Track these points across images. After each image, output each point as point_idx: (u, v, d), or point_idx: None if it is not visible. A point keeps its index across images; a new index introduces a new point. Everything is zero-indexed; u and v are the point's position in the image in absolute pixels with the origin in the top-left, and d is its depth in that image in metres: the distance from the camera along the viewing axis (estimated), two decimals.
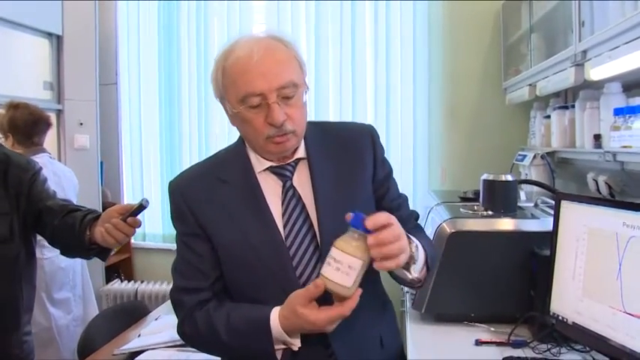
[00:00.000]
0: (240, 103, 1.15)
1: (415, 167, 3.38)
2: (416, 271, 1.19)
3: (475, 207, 1.84)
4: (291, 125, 1.16)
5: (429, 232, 1.77)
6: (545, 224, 1.68)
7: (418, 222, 1.41)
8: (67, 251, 1.70)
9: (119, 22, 3.73)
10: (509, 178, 1.79)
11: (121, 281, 3.62)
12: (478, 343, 1.56)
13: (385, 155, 1.37)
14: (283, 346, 1.17)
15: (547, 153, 2.57)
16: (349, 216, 1.07)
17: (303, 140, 1.27)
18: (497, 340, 1.56)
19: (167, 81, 3.71)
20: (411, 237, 1.16)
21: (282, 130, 1.15)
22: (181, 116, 3.71)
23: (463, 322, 1.70)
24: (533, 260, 1.61)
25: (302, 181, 1.26)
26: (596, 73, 1.77)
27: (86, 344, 2.05)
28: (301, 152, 1.27)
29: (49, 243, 1.69)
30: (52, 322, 2.72)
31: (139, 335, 2.07)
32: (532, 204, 1.94)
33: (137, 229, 1.55)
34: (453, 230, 1.67)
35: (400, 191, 1.40)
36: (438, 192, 2.52)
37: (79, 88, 3.35)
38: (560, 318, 1.42)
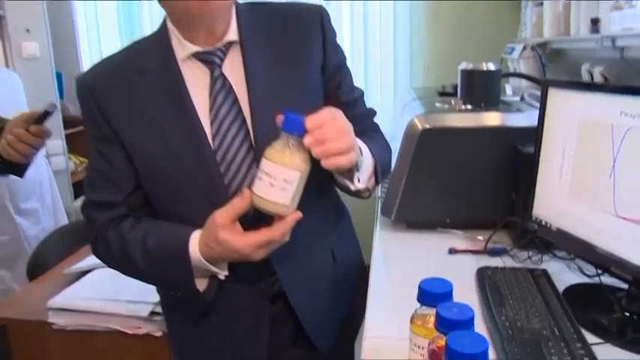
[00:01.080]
0: None
1: (396, 63, 3.12)
2: (362, 181, 1.01)
3: (452, 101, 1.63)
4: None
5: (402, 131, 1.57)
6: (530, 118, 1.47)
7: (375, 121, 1.22)
8: None
9: None
10: (492, 67, 1.56)
11: None
12: (452, 251, 1.40)
13: (338, 41, 1.15)
14: (209, 274, 1.01)
15: (538, 44, 2.35)
16: (279, 118, 0.87)
17: (235, 20, 1.05)
18: (474, 249, 1.40)
19: None
20: (357, 140, 0.97)
21: None
22: (141, 19, 3.42)
23: (437, 229, 1.54)
24: (516, 159, 1.42)
25: (234, 69, 1.04)
26: None
27: (36, 263, 1.93)
28: (233, 34, 1.05)
29: None
30: (21, 232, 2.61)
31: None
32: (518, 98, 1.73)
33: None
34: (425, 126, 1.47)
35: (356, 84, 1.20)
36: (417, 89, 2.29)
37: None
38: (543, 223, 1.25)
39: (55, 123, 3.13)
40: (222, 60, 1.04)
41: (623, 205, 1.03)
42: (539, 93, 1.67)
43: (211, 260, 0.98)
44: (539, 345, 0.95)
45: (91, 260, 1.82)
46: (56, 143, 3.17)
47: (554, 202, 1.22)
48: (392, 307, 1.14)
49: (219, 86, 1.03)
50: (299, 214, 0.93)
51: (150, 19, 3.37)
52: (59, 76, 3.32)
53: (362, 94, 1.20)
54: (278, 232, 0.93)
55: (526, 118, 1.47)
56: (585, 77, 2.01)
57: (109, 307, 1.52)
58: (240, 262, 0.97)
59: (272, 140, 0.91)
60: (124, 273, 1.13)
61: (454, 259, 1.38)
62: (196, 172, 1.02)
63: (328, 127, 0.88)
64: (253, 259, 0.95)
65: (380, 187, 1.67)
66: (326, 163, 0.89)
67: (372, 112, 1.22)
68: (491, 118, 1.49)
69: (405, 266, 1.34)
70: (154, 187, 1.07)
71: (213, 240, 0.95)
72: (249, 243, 0.93)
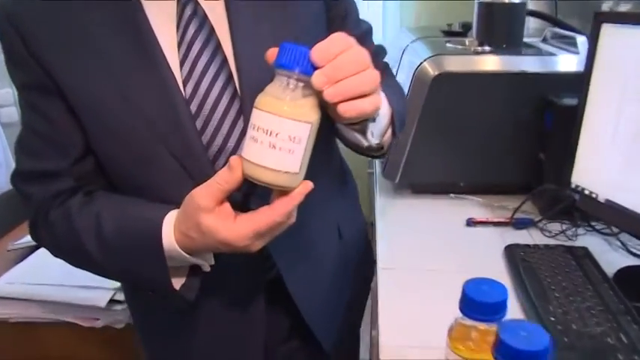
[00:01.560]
0: None
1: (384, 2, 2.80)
2: (376, 135, 0.77)
3: (466, 42, 1.37)
4: None
5: (403, 78, 1.32)
6: (566, 63, 1.23)
7: (386, 61, 0.96)
8: None
9: None
10: None
11: None
12: (470, 223, 1.18)
13: None
14: (189, 265, 0.77)
15: None
16: (272, 53, 0.61)
17: None
18: (496, 220, 1.18)
19: None
20: None
21: None
22: None
23: (449, 195, 1.31)
24: (547, 112, 1.18)
25: None
26: None
27: None
28: None
29: None
30: None
31: None
32: (539, 39, 1.47)
33: None
34: (437, 72, 1.21)
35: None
36: (413, 29, 2.01)
37: None
38: (586, 193, 1.03)
39: (1, 68, 2.79)
40: None
41: None
42: (565, 32, 1.42)
43: (192, 251, 0.74)
44: (604, 357, 0.74)
45: None
46: (5, 92, 2.81)
47: (603, 168, 0.99)
48: (406, 306, 0.93)
49: (190, 13, 0.75)
50: (309, 185, 0.66)
51: None
52: None
53: (370, 28, 0.94)
54: (282, 212, 0.66)
55: (558, 63, 1.23)
56: None
57: (59, 294, 1.26)
58: (231, 253, 0.72)
59: (263, 79, 0.64)
60: (76, 266, 0.87)
61: (473, 233, 1.16)
62: (164, 129, 0.75)
63: (345, 58, 0.59)
64: (250, 251, 0.70)
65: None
66: (345, 110, 0.60)
67: (383, 50, 0.96)
68: (518, 62, 1.24)
69: (416, 242, 1.12)
70: (107, 150, 0.79)
71: (194, 227, 0.69)
72: (244, 232, 0.67)
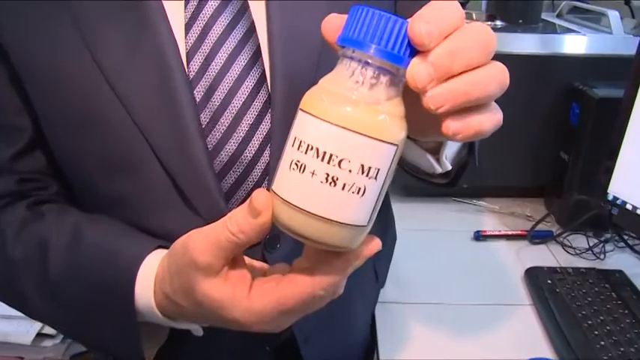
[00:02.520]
0: None
1: None
2: (449, 156, 0.54)
3: (473, 15, 1.15)
4: None
5: None
6: (597, 44, 1.03)
7: None
8: None
9: None
10: None
11: None
12: (480, 236, 0.98)
13: None
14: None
15: None
16: (331, 23, 0.34)
17: None
18: (510, 233, 0.99)
19: None
20: None
21: None
22: None
23: (451, 198, 1.11)
24: (575, 104, 0.98)
25: None
26: None
27: None
28: None
29: None
30: None
31: None
32: (552, 13, 1.27)
33: None
34: None
35: None
36: None
37: None
38: (628, 207, 0.84)
39: None
40: None
41: None
42: (588, 7, 1.22)
43: (176, 319, 0.48)
44: None
45: None
46: None
47: None
48: (407, 338, 0.73)
49: None
50: (378, 245, 0.39)
51: None
52: None
53: None
54: (328, 283, 0.39)
55: (590, 44, 1.03)
56: None
57: None
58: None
59: (309, 60, 0.40)
60: (8, 305, 0.60)
61: (483, 249, 0.96)
62: (150, 118, 0.51)
63: (463, 38, 0.31)
64: (269, 331, 0.43)
65: None
66: (457, 130, 0.32)
67: None
68: (538, 42, 1.03)
69: (415, 265, 0.91)
70: (67, 142, 0.54)
71: (186, 294, 0.43)
72: (265, 311, 0.40)
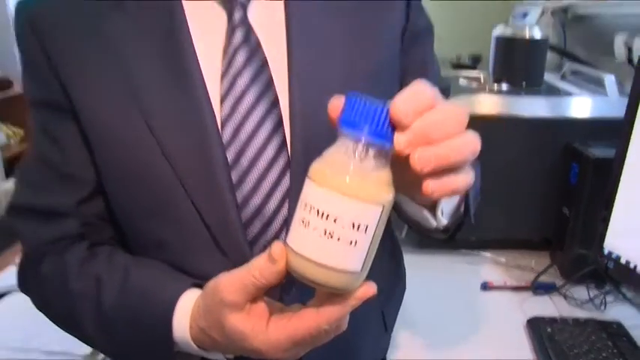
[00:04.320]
0: None
1: None
2: (445, 214, 0.61)
3: (481, 77, 1.24)
4: None
5: None
6: (594, 107, 1.10)
7: None
8: None
9: None
10: (538, 35, 1.17)
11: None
12: (486, 287, 1.04)
13: None
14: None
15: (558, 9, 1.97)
16: (335, 106, 0.42)
17: None
18: (514, 284, 1.04)
19: None
20: None
21: None
22: None
23: (460, 250, 1.17)
24: (574, 163, 1.05)
25: (268, 16, 0.64)
26: None
27: None
28: None
29: None
30: None
31: (15, 263, 1.50)
32: (557, 74, 1.35)
33: None
34: None
35: None
36: None
37: None
38: (622, 261, 0.89)
39: None
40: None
41: None
42: (585, 69, 1.30)
43: (210, 349, 0.57)
44: None
45: (10, 280, 1.40)
46: None
47: None
48: None
49: (240, 39, 0.62)
50: (371, 290, 0.47)
51: None
52: None
53: (448, 87, 0.78)
54: (331, 319, 0.47)
55: (588, 107, 1.10)
56: (619, 52, 1.65)
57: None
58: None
59: (322, 134, 0.46)
60: (63, 330, 0.70)
61: (489, 299, 1.02)
62: (191, 178, 0.61)
63: (440, 113, 0.41)
64: (286, 359, 0.52)
65: None
66: (433, 189, 0.41)
67: None
68: (541, 105, 1.11)
69: (426, 311, 0.97)
70: (121, 193, 0.65)
71: (217, 327, 0.52)
72: (280, 341, 0.49)
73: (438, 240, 0.84)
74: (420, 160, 0.40)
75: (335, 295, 0.46)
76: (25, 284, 0.70)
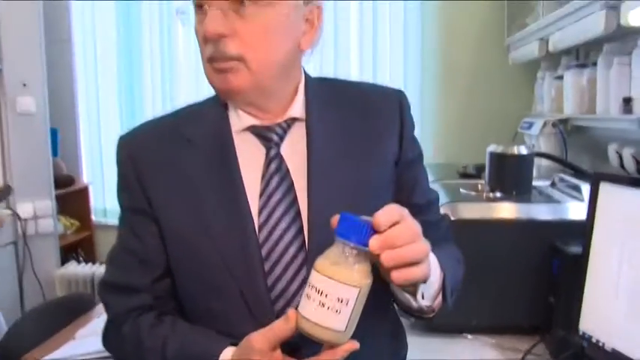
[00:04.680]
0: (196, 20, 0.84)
1: None
2: (427, 297, 0.83)
3: (479, 186, 1.47)
4: (235, 47, 0.81)
5: None
6: (570, 211, 1.32)
7: (447, 229, 1.05)
8: None
9: None
10: (524, 151, 1.42)
11: (78, 263, 3.25)
12: None
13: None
14: None
15: (559, 120, 2.22)
16: (335, 220, 0.69)
17: (303, 95, 0.91)
18: None
19: (126, 37, 3.28)
20: None
21: (219, 50, 0.81)
22: (143, 76, 3.29)
23: (462, 334, 1.35)
24: (555, 259, 1.25)
25: (295, 150, 0.90)
26: (635, 16, 1.39)
27: (7, 349, 1.71)
28: (298, 110, 0.90)
29: None
30: None
31: (74, 338, 1.72)
32: (547, 182, 1.58)
33: (98, 205, 1.17)
34: (452, 218, 1.31)
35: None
36: (431, 165, 2.14)
37: (21, 45, 2.90)
38: (593, 341, 1.07)
39: (44, 182, 2.99)
40: (281, 138, 0.89)
41: None
42: (571, 178, 1.53)
43: None
44: None
45: (71, 350, 1.62)
46: (45, 204, 2.99)
47: (609, 317, 1.04)
48: None
49: (275, 168, 0.87)
50: (354, 346, 0.72)
51: (151, 78, 3.28)
52: (54, 132, 3.18)
53: (437, 197, 1.03)
54: None
55: (565, 211, 1.32)
56: (613, 159, 1.87)
57: None
58: None
59: (330, 239, 0.72)
60: None
61: None
62: (236, 267, 0.85)
63: (402, 227, 0.68)
64: None
65: None
66: (398, 276, 0.68)
67: (447, 219, 1.07)
68: (526, 210, 1.33)
69: None
70: (184, 275, 0.90)
71: None
72: None
73: (443, 325, 1.05)
74: (386, 258, 0.66)
75: (330, 348, 0.72)
76: (108, 342, 0.95)
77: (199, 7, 0.81)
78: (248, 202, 0.86)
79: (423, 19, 2.99)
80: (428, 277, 0.73)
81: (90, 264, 3.25)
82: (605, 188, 1.07)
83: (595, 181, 1.09)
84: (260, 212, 0.86)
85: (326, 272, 0.68)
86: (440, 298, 0.87)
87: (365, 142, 0.91)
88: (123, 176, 0.92)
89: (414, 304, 0.83)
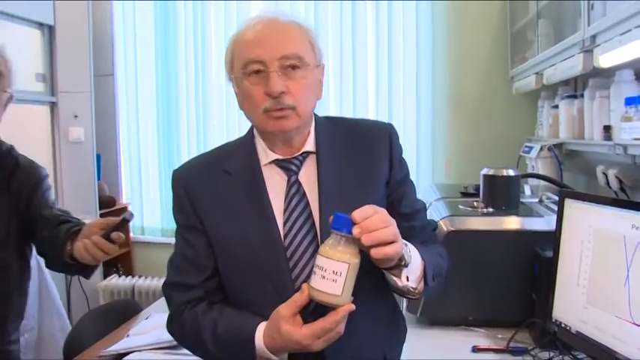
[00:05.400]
0: (243, 75, 1.10)
1: (418, 160, 3.26)
2: (412, 280, 1.09)
3: (475, 203, 1.73)
4: (291, 100, 1.08)
5: None
6: (549, 223, 1.57)
7: (435, 234, 1.30)
8: (51, 264, 1.63)
9: (115, 12, 3.63)
10: (511, 173, 1.68)
11: (119, 276, 3.55)
12: (475, 349, 1.46)
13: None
14: None
15: (555, 145, 2.45)
16: (330, 218, 0.98)
17: (313, 133, 1.19)
18: (496, 347, 1.46)
19: (164, 72, 3.62)
20: (406, 242, 1.06)
21: (280, 102, 1.08)
22: (179, 107, 3.62)
23: (460, 326, 1.60)
24: (536, 262, 1.50)
25: (309, 176, 1.17)
26: (605, 59, 1.65)
27: (71, 346, 1.98)
28: (310, 145, 1.18)
29: (37, 253, 1.63)
30: None
31: (127, 335, 1.99)
32: (536, 199, 1.83)
33: (136, 224, 1.46)
34: (450, 229, 1.57)
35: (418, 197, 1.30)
36: (440, 186, 2.41)
37: (73, 79, 3.26)
38: (562, 325, 1.32)
39: (90, 203, 3.30)
40: (298, 168, 1.16)
41: (639, 314, 1.10)
42: (556, 196, 1.77)
43: (273, 351, 1.06)
44: None
45: (126, 344, 1.89)
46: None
47: (573, 306, 1.29)
48: None
49: (294, 191, 1.15)
50: (351, 306, 0.99)
51: (186, 109, 3.60)
52: (98, 158, 3.51)
53: (424, 206, 1.29)
54: (330, 322, 0.99)
55: (545, 223, 1.57)
56: (600, 178, 2.10)
57: None
58: (300, 352, 1.05)
59: None
60: (192, 352, 1.22)
61: (478, 357, 1.44)
62: (268, 265, 1.12)
63: (374, 218, 0.95)
64: (313, 350, 1.03)
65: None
66: (375, 253, 0.95)
67: (433, 225, 1.32)
68: (512, 223, 1.59)
69: None
70: (229, 274, 1.17)
71: (276, 332, 1.02)
72: (307, 334, 1.00)
73: (443, 319, 1.31)
74: (364, 239, 0.95)
75: (331, 308, 1.00)
76: (171, 328, 1.22)
77: (256, 72, 1.08)
78: (275, 217, 1.14)
79: (433, 53, 3.28)
80: (399, 254, 1.00)
81: (130, 277, 3.55)
82: (568, 203, 1.32)
83: (561, 197, 1.34)
84: (284, 224, 1.14)
85: (325, 254, 0.97)
86: (422, 282, 1.12)
87: (362, 167, 1.18)
88: (178, 201, 1.20)
89: (399, 284, 1.08)
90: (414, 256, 1.08)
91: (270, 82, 1.06)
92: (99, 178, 3.54)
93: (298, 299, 1.01)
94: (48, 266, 1.66)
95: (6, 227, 1.51)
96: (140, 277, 3.55)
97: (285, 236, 1.13)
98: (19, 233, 1.54)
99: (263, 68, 1.07)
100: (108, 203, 3.54)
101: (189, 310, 1.16)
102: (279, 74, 1.07)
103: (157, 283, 3.44)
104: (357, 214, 0.96)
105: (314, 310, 1.05)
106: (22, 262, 1.59)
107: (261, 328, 1.07)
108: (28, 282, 1.64)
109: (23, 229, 1.55)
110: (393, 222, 0.99)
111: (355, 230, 0.95)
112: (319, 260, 0.98)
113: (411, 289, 1.09)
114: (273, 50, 1.07)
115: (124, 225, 1.40)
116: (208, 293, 1.18)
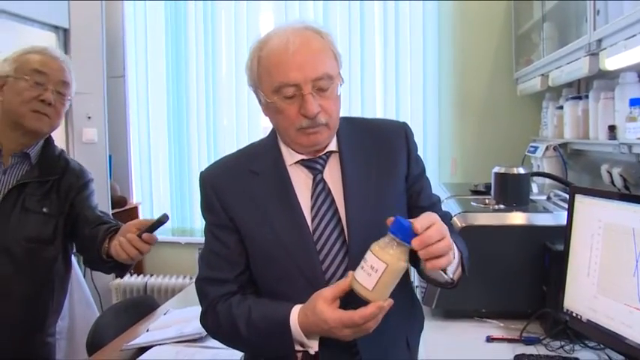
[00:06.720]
0: (275, 94, 1.14)
1: (425, 159, 3.27)
2: (452, 272, 1.15)
3: (486, 200, 1.81)
4: (324, 118, 1.14)
5: None
6: (558, 218, 1.64)
7: (451, 223, 1.35)
8: (89, 263, 1.71)
9: (126, 14, 3.70)
10: (522, 171, 1.75)
11: (130, 275, 3.61)
12: (489, 339, 1.53)
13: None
14: (302, 348, 1.14)
15: (559, 144, 2.52)
16: (389, 220, 1.02)
17: (335, 133, 1.25)
18: (509, 337, 1.53)
19: (175, 73, 3.69)
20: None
21: (315, 122, 1.13)
22: (189, 108, 3.68)
23: (474, 318, 1.67)
24: (546, 255, 1.57)
25: (333, 175, 1.23)
26: (611, 62, 1.72)
27: (94, 340, 2.04)
28: (333, 145, 1.24)
29: (77, 251, 1.72)
30: None
31: (147, 330, 2.05)
32: (544, 197, 1.90)
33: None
34: (464, 224, 1.64)
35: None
36: (448, 185, 2.48)
37: (87, 81, 3.31)
38: (573, 315, 1.39)
39: (103, 202, 3.35)
40: (323, 167, 1.22)
41: None
42: (563, 193, 1.85)
43: (305, 330, 1.10)
44: None
45: (148, 337, 1.95)
46: None
47: (583, 295, 1.36)
48: None
49: (320, 189, 1.21)
50: (381, 304, 1.02)
51: (196, 110, 3.67)
52: (109, 158, 3.57)
53: (439, 199, 1.36)
54: (359, 316, 1.02)
55: (554, 218, 1.65)
56: (605, 177, 2.17)
57: None
58: (329, 337, 1.09)
59: (362, 236, 1.09)
60: (227, 343, 1.28)
61: (492, 347, 1.51)
62: (299, 258, 1.17)
63: (432, 229, 0.98)
64: (339, 336, 1.08)
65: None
66: (430, 265, 0.99)
67: (448, 216, 1.38)
68: (523, 218, 1.66)
69: (449, 352, 1.47)
70: (261, 268, 1.22)
71: (311, 309, 1.07)
72: (336, 318, 1.04)
73: (457, 311, 1.38)
74: (423, 253, 0.99)
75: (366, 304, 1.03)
76: (205, 322, 1.27)
77: (290, 97, 1.12)
78: (304, 214, 1.20)
79: (440, 55, 3.36)
80: (451, 263, 1.05)
81: (141, 275, 3.62)
82: (579, 199, 1.39)
83: (571, 193, 1.42)
84: (312, 220, 1.20)
85: (373, 251, 1.02)
86: (459, 270, 1.19)
87: (382, 164, 1.25)
88: (207, 201, 1.25)
89: (444, 278, 1.14)
90: (455, 251, 1.12)
91: (307, 104, 1.11)
92: (110, 178, 3.59)
93: (341, 285, 1.06)
94: (85, 264, 1.74)
95: (54, 225, 1.60)
96: (152, 275, 3.61)
97: (314, 231, 1.19)
98: (64, 231, 1.63)
99: (297, 92, 1.12)
100: (119, 203, 3.59)
101: (222, 302, 1.21)
102: (313, 95, 1.12)
103: (169, 281, 3.51)
104: (418, 225, 0.98)
105: (355, 307, 1.09)
106: (66, 259, 1.68)
107: (295, 310, 1.12)
108: (69, 278, 1.73)
109: (67, 228, 1.64)
110: (447, 231, 1.03)
111: (415, 242, 0.97)
112: (367, 254, 1.02)
113: (450, 280, 1.15)
114: (308, 73, 1.11)
115: (159, 225, 1.47)
116: (242, 287, 1.24)
